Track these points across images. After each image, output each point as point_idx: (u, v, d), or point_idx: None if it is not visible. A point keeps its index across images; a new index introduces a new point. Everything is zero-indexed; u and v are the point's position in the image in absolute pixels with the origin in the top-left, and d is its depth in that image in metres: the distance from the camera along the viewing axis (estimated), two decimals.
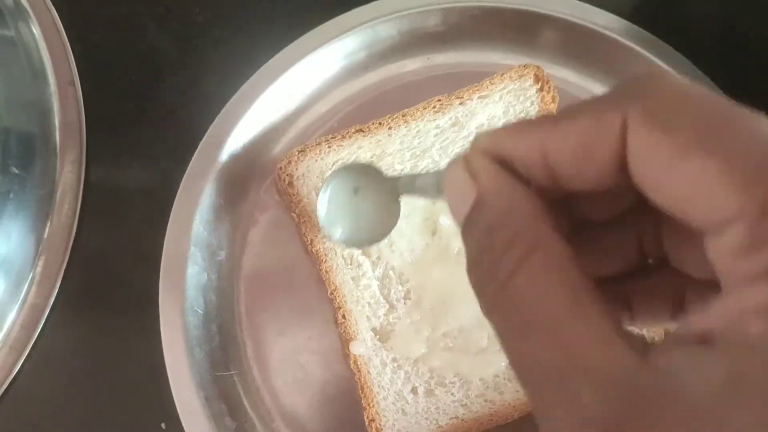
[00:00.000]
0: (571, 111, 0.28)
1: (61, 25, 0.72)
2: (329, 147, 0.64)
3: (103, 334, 0.65)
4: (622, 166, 0.26)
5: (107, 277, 0.66)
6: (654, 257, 0.33)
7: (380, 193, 0.51)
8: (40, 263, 0.65)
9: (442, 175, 0.33)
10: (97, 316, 0.66)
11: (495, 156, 0.29)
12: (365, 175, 0.51)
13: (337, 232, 0.52)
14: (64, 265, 0.66)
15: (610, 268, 0.34)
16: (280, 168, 0.64)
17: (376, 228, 0.52)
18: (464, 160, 0.30)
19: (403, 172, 0.64)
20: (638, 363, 0.23)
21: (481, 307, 0.28)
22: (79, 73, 0.71)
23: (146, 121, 0.71)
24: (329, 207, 0.52)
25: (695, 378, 0.22)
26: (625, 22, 0.68)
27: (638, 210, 0.31)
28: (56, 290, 0.65)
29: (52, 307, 0.65)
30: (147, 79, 0.72)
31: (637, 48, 0.68)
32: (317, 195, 0.62)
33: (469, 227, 0.29)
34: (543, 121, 0.29)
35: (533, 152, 0.28)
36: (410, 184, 0.45)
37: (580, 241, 0.29)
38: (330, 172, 0.61)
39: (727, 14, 0.74)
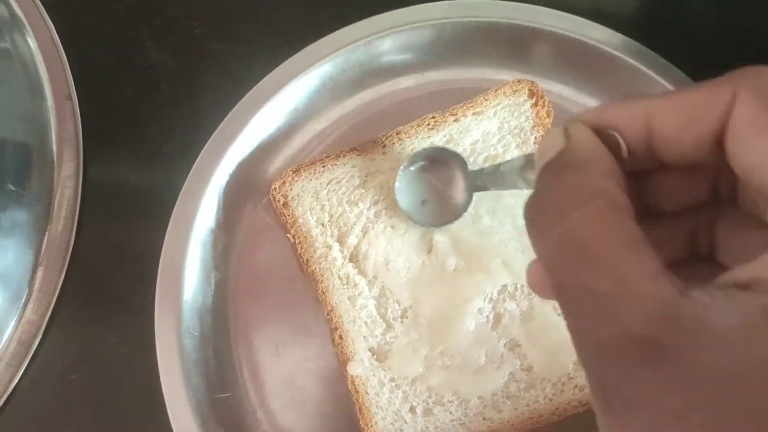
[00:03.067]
0: (683, 88, 0.32)
1: (58, 39, 0.72)
2: (323, 166, 0.64)
3: (100, 351, 0.65)
4: (719, 139, 0.30)
5: (104, 293, 0.66)
6: (704, 251, 0.36)
7: (454, 186, 0.60)
8: (38, 279, 0.65)
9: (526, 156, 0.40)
10: (94, 333, 0.66)
11: (594, 126, 0.32)
12: (445, 165, 0.60)
13: (407, 206, 0.61)
14: (61, 280, 0.66)
15: None
16: (275, 188, 0.64)
17: (443, 214, 0.60)
18: (563, 126, 0.33)
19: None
20: (681, 296, 0.25)
21: (532, 238, 0.31)
22: (76, 87, 0.71)
23: (143, 136, 0.71)
24: (406, 185, 0.61)
25: (730, 311, 0.25)
26: (620, 35, 0.68)
27: (701, 204, 0.35)
28: (53, 306, 0.65)
29: (48, 322, 0.65)
30: (144, 93, 0.72)
31: (632, 61, 0.67)
32: (312, 215, 0.62)
33: (546, 168, 0.32)
34: (653, 94, 0.33)
35: (638, 119, 0.32)
36: (492, 173, 0.52)
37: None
38: (415, 151, 0.63)
39: (725, 29, 0.74)
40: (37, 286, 0.65)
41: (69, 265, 0.66)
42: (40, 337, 0.64)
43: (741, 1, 0.74)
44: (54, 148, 0.69)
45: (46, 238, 0.66)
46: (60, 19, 0.73)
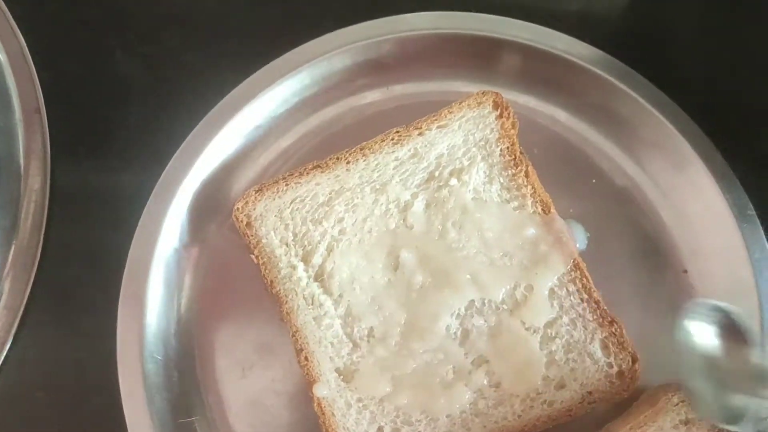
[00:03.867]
0: None
1: (27, 51, 0.71)
2: (286, 185, 0.63)
3: (66, 368, 0.64)
4: None
5: (71, 308, 0.66)
6: None
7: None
8: (3, 294, 0.64)
9: None
10: (60, 349, 0.65)
11: None
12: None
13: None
14: (27, 295, 0.65)
15: None
16: (237, 208, 0.63)
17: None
18: None
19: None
20: None
21: None
22: (45, 99, 0.70)
23: (112, 149, 0.70)
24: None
25: None
26: (587, 45, 0.68)
27: None
28: (18, 321, 0.64)
29: (15, 337, 0.64)
30: (114, 106, 0.72)
31: (600, 72, 0.67)
32: (276, 235, 0.61)
33: None
34: None
35: None
36: None
37: None
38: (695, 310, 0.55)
39: (697, 40, 0.73)
40: (2, 303, 0.64)
41: (35, 279, 0.65)
42: (5, 352, 0.63)
43: (713, 13, 0.73)
44: (21, 161, 0.68)
45: (11, 252, 0.65)
46: (30, 30, 0.72)
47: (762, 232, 0.63)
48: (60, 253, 0.67)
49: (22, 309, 0.64)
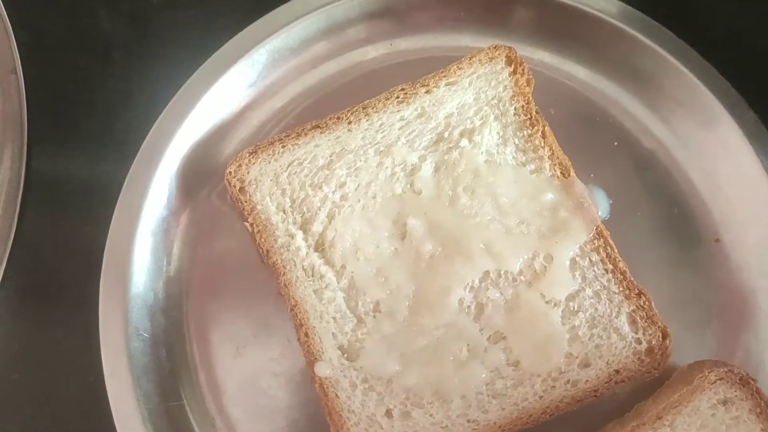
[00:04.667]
0: None
1: (3, 9, 0.66)
2: (283, 147, 0.58)
3: (42, 349, 0.60)
4: None
5: (48, 286, 0.61)
6: None
7: None
8: None
9: None
10: (36, 329, 0.61)
11: None
12: None
13: None
14: (2, 269, 0.60)
15: None
16: (230, 172, 0.58)
17: None
18: None
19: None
20: None
21: None
22: (22, 60, 0.65)
23: (93, 113, 0.65)
24: None
25: None
26: None
27: None
28: None
29: None
30: (96, 66, 0.67)
31: (619, 24, 0.62)
32: (272, 201, 0.57)
33: None
34: None
35: None
36: None
37: None
38: None
39: None
40: None
41: (9, 256, 0.61)
42: None
43: None
44: None
45: None
46: None
47: None
48: (38, 227, 0.63)
49: None
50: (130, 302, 0.57)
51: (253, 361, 0.58)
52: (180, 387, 0.58)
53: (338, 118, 0.59)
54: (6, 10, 0.67)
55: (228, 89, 0.62)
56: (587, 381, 0.55)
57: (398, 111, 0.59)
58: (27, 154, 0.63)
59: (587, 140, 0.63)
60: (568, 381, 0.55)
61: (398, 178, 0.58)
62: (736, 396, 0.52)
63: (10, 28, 0.66)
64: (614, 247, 0.56)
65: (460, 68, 0.60)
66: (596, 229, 0.57)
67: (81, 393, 0.57)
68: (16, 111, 0.64)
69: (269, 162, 0.58)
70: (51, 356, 0.59)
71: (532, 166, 0.58)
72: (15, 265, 0.61)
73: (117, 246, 0.57)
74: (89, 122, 0.65)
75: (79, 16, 0.68)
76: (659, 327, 0.55)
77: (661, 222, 0.62)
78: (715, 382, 0.52)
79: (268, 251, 0.57)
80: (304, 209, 0.58)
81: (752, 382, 0.52)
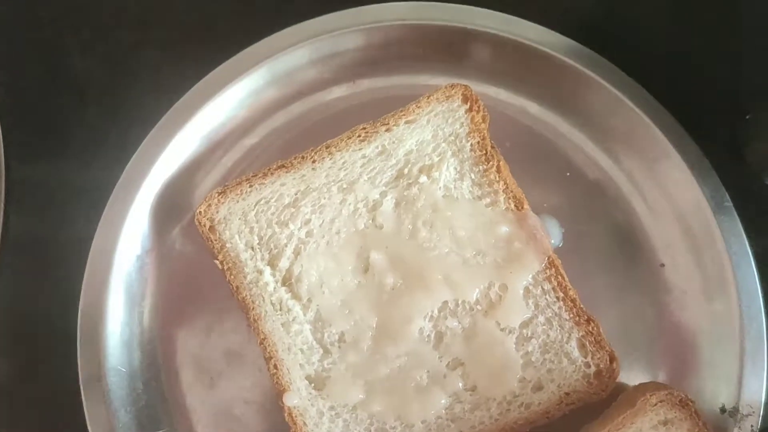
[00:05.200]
0: None
1: None
2: (250, 186, 0.61)
3: (22, 385, 0.62)
4: None
5: (28, 320, 0.63)
6: None
7: None
8: None
9: None
10: (16, 365, 0.63)
11: None
12: None
13: None
14: None
15: None
16: (200, 212, 0.60)
17: None
18: None
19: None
20: None
21: None
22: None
23: (69, 150, 0.67)
24: None
25: None
26: (558, 35, 0.66)
27: None
28: None
29: None
30: (71, 106, 0.69)
31: (571, 62, 0.65)
32: (241, 239, 0.59)
33: None
34: None
35: None
36: None
37: None
38: None
39: (668, 29, 0.71)
40: None
41: None
42: None
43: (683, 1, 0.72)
44: None
45: None
46: None
47: (739, 223, 0.61)
48: (16, 266, 0.64)
49: None
50: (107, 340, 0.59)
51: (226, 391, 0.61)
52: (157, 417, 0.60)
53: (303, 157, 0.62)
54: None
55: (197, 130, 0.64)
56: (540, 403, 0.58)
57: (360, 149, 0.62)
58: (5, 194, 0.65)
59: (540, 172, 0.66)
60: (522, 404, 0.58)
61: (361, 214, 0.61)
62: (676, 417, 0.55)
63: None
64: (565, 275, 0.59)
65: (418, 107, 0.62)
66: (548, 258, 0.60)
67: (65, 421, 0.59)
68: None
69: (237, 201, 0.61)
70: (31, 393, 0.61)
71: (488, 200, 0.61)
72: None
73: (92, 287, 0.60)
74: (65, 160, 0.67)
75: (54, 57, 0.70)
76: (607, 351, 0.58)
77: (609, 248, 0.65)
78: (656, 404, 0.55)
79: (237, 287, 0.60)
80: (272, 246, 0.60)
81: (691, 404, 0.55)
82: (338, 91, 0.68)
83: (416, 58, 0.68)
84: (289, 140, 0.67)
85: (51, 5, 0.71)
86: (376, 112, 0.63)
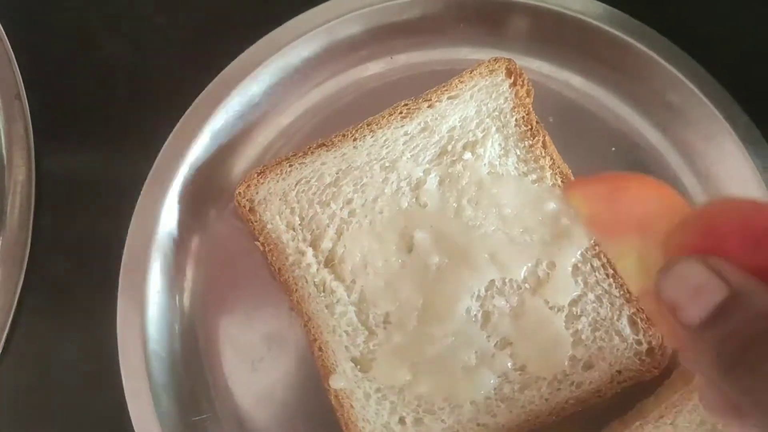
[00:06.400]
0: None
1: (4, 34, 0.66)
2: (290, 166, 0.59)
3: (62, 369, 0.61)
4: None
5: (65, 304, 0.62)
6: None
7: None
8: None
9: None
10: (55, 349, 0.61)
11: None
12: None
13: None
14: (18, 294, 0.61)
15: None
16: (239, 193, 0.59)
17: None
18: (702, 262, 0.31)
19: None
20: None
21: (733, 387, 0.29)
22: (25, 85, 0.66)
23: (100, 135, 0.66)
24: None
25: None
26: (601, 4, 0.64)
27: None
28: (10, 321, 0.60)
29: (6, 339, 0.60)
30: (99, 89, 0.67)
31: (616, 33, 0.63)
32: (282, 220, 0.58)
33: (723, 320, 0.30)
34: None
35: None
36: None
37: None
38: None
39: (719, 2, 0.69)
40: None
41: (25, 276, 0.61)
42: None
43: None
44: (4, 151, 0.64)
45: None
46: (6, 12, 0.67)
47: None
48: (51, 248, 0.63)
49: (14, 308, 0.61)
50: (147, 325, 0.58)
51: (268, 375, 0.60)
52: (199, 403, 0.59)
53: (343, 135, 0.60)
54: (6, 35, 0.66)
55: (233, 110, 0.63)
56: (591, 382, 0.57)
57: (402, 126, 0.60)
58: (36, 182, 0.64)
59: (586, 147, 0.64)
60: (573, 383, 0.57)
61: (404, 193, 0.60)
62: None
63: (12, 52, 0.66)
64: None
65: (461, 82, 0.61)
66: None
67: (104, 412, 0.58)
68: (22, 136, 0.64)
69: (277, 181, 0.59)
70: (72, 378, 0.60)
71: (534, 176, 0.60)
72: (29, 293, 0.61)
73: (131, 271, 0.58)
74: (96, 146, 0.65)
75: (80, 39, 0.68)
76: None
77: None
78: None
79: (279, 269, 0.58)
80: (313, 226, 0.59)
81: None
82: (375, 67, 0.66)
83: (455, 32, 0.66)
84: (324, 119, 0.66)
85: None
86: (413, 89, 0.62)
